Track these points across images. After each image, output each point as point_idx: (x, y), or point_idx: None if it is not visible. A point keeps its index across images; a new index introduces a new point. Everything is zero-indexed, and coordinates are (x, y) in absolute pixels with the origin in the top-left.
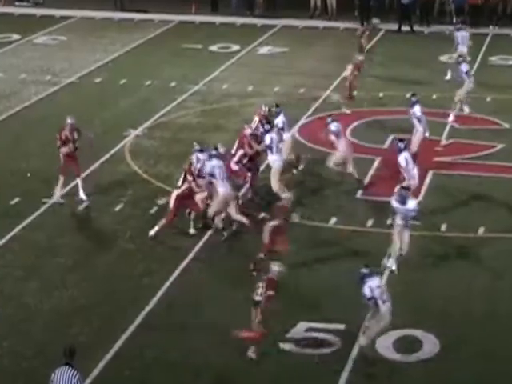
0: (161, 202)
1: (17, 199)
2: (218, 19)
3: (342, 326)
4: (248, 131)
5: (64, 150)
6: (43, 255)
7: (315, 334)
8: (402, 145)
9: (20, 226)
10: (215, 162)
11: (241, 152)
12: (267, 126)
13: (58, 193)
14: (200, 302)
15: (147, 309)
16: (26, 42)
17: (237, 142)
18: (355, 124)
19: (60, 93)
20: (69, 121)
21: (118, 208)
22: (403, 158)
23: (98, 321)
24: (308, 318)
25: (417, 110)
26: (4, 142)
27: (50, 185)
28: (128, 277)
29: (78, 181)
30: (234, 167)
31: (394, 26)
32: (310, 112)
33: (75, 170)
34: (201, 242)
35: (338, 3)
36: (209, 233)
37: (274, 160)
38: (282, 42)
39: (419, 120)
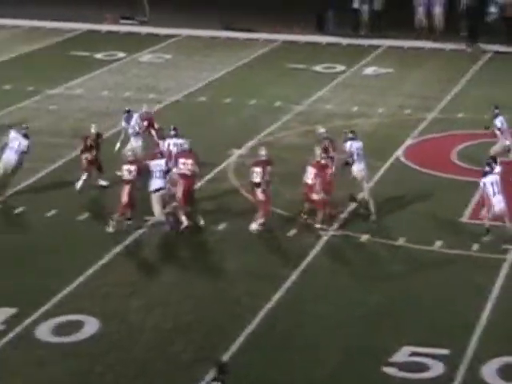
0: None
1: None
2: (323, 39)
3: (446, 351)
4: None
5: (86, 155)
6: (146, 273)
7: (419, 359)
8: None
9: (123, 244)
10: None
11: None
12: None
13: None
14: (302, 322)
15: (250, 328)
16: (132, 60)
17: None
18: (461, 146)
19: (164, 111)
20: (93, 130)
21: (221, 227)
22: (482, 183)
23: (200, 339)
24: (412, 343)
25: (498, 121)
26: (109, 158)
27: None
28: (230, 296)
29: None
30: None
31: (501, 48)
32: (415, 133)
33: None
34: (302, 265)
35: (445, 23)
36: (308, 257)
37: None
38: (387, 63)
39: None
